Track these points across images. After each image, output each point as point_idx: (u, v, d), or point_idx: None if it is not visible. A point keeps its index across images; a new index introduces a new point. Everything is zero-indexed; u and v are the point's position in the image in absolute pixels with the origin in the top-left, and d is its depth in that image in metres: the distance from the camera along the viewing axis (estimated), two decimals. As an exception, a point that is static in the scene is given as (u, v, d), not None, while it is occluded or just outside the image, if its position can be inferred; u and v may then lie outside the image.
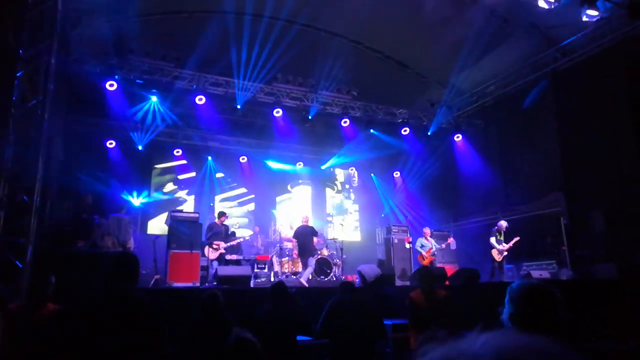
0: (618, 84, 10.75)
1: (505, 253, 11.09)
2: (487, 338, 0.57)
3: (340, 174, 18.24)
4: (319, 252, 11.51)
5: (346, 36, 13.85)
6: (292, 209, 16.75)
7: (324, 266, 11.49)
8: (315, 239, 11.00)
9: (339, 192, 18.19)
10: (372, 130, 15.15)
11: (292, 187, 17.38)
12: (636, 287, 8.08)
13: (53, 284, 4.35)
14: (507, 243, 11.08)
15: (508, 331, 0.59)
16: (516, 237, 11.07)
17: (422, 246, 11.86)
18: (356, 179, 18.17)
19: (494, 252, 11.09)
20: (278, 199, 17.06)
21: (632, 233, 9.98)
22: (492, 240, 11.19)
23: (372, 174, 17.85)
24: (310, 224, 11.38)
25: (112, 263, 2.86)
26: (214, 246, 10.60)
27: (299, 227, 11.06)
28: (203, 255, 10.53)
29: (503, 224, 11.33)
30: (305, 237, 10.69)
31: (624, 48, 10.67)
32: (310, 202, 17.52)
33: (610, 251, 10.27)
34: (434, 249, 11.82)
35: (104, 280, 2.84)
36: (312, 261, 10.66)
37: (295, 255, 11.35)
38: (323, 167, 17.58)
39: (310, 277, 10.53)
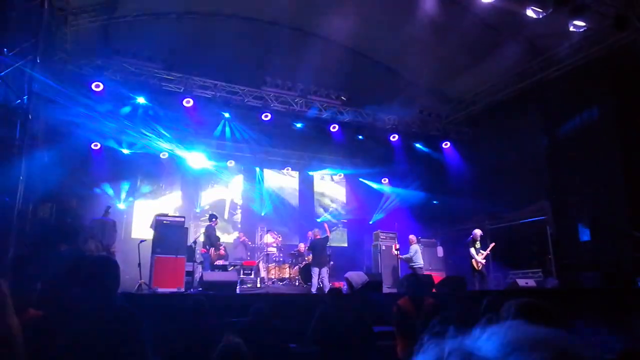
0: (605, 94, 10.85)
1: (484, 261, 10.94)
2: (492, 331, 0.58)
3: (327, 178, 18.13)
4: (331, 263, 11.93)
5: (337, 41, 13.83)
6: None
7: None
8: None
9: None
10: (360, 137, 15.14)
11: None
12: (621, 295, 8.12)
13: (38, 290, 4.15)
14: (484, 251, 10.99)
15: (513, 324, 0.58)
16: (492, 243, 11.10)
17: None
18: (344, 184, 18.10)
19: (474, 262, 10.85)
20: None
21: (617, 242, 10.05)
22: (472, 250, 10.92)
23: (360, 180, 17.78)
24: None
25: (93, 269, 2.73)
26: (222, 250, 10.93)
27: (315, 240, 11.39)
28: (189, 260, 10.37)
29: (478, 232, 11.16)
30: (320, 249, 11.17)
31: (611, 58, 10.78)
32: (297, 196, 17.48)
33: (596, 260, 10.32)
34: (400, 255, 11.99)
35: (86, 288, 2.69)
36: (324, 272, 10.89)
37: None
38: (310, 173, 17.51)
39: (320, 286, 10.75)
